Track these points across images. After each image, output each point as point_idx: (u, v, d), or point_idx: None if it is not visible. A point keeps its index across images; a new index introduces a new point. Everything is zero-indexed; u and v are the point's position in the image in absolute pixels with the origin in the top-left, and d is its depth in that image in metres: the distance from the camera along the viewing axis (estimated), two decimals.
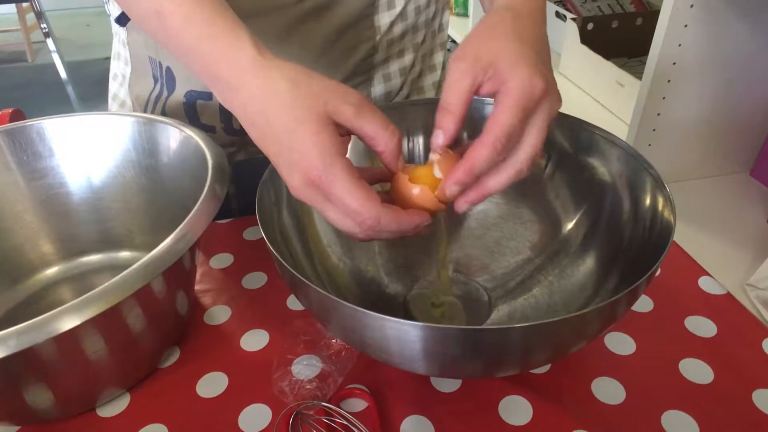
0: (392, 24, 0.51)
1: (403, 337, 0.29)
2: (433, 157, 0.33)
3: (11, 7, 3.11)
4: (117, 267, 0.45)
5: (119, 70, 0.58)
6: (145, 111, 0.54)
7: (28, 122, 0.42)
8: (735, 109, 0.93)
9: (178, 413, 0.37)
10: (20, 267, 0.43)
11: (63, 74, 2.07)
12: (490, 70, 0.31)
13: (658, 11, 0.82)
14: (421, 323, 0.28)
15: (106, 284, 0.29)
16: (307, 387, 0.37)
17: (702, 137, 0.96)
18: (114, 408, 0.37)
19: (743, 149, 0.99)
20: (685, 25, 0.83)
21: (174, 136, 0.42)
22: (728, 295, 0.44)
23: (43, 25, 1.87)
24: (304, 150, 0.29)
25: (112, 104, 0.61)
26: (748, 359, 0.38)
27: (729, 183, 0.98)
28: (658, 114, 0.90)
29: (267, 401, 0.37)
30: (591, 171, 0.42)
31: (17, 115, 0.85)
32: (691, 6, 0.80)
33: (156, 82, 0.52)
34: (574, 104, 1.27)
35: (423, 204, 0.32)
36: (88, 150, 0.43)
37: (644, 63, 0.89)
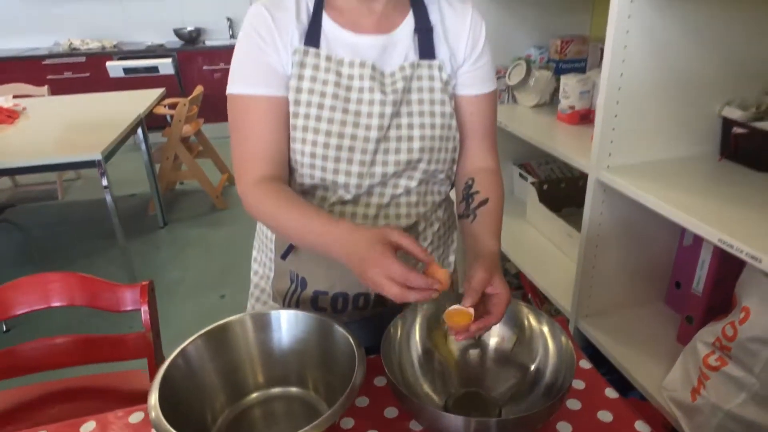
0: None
1: (454, 424, 0.64)
2: (456, 306, 0.71)
3: None
4: (290, 398, 0.77)
5: (263, 271, 0.95)
6: (284, 300, 0.91)
7: (264, 312, 0.79)
8: (649, 256, 1.34)
9: None
10: (243, 389, 0.76)
11: (111, 206, 2.43)
12: (493, 283, 0.71)
13: None
14: (464, 417, 0.63)
15: (317, 422, 0.62)
16: None
17: (627, 278, 1.36)
18: None
19: (658, 286, 1.39)
20: (603, 202, 1.26)
21: (333, 327, 0.76)
22: (620, 398, 0.79)
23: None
24: (376, 255, 0.65)
25: (254, 290, 0.98)
26: None
27: (649, 311, 1.37)
28: (593, 266, 1.31)
29: None
30: (541, 337, 0.80)
31: (151, 285, 1.20)
32: (605, 190, 1.24)
33: (292, 282, 0.90)
34: (539, 248, 1.68)
35: (438, 278, 0.68)
36: (288, 329, 0.78)
37: None
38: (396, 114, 0.81)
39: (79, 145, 2.34)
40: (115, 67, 4.46)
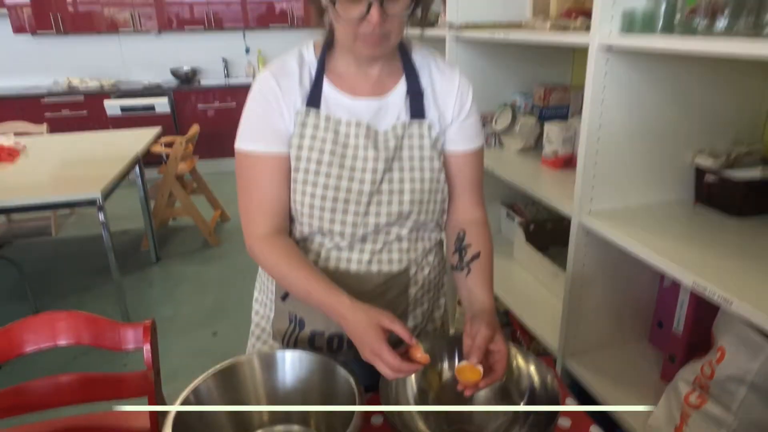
0: (416, 292, 0.96)
1: None
2: (466, 362, 0.77)
3: None
4: None
5: (263, 311, 1.00)
6: (282, 339, 0.95)
7: (270, 353, 0.82)
8: (632, 296, 1.40)
9: None
10: (249, 426, 0.79)
11: (108, 243, 2.45)
12: (495, 339, 0.78)
13: None
14: None
15: None
16: None
17: (612, 318, 1.41)
18: None
19: (642, 325, 1.45)
20: (585, 244, 1.32)
21: (335, 367, 0.80)
22: None
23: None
24: (371, 340, 0.75)
25: (254, 329, 1.02)
26: None
27: (634, 350, 1.42)
28: (578, 306, 1.36)
29: None
30: (528, 377, 0.84)
31: (153, 325, 1.23)
32: (587, 234, 1.30)
33: (291, 323, 0.94)
34: (526, 287, 1.73)
35: (419, 360, 0.75)
36: (292, 369, 0.82)
37: None
38: (388, 169, 0.88)
39: (78, 183, 2.39)
40: (112, 106, 4.55)
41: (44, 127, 3.56)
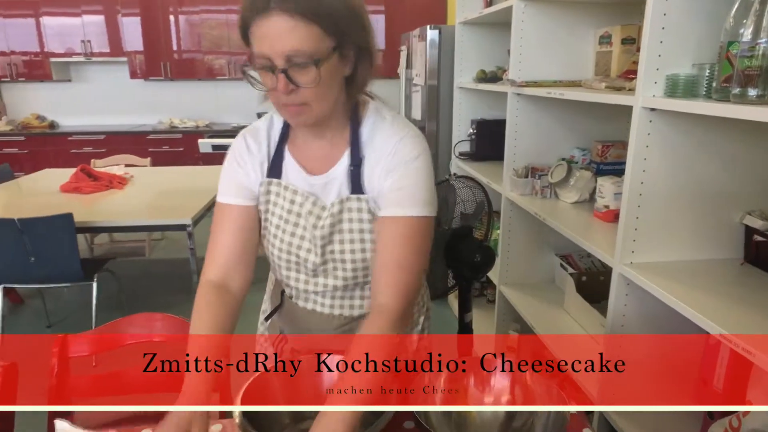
0: None
1: None
2: None
3: None
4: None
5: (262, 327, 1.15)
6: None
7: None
8: (675, 351, 1.40)
9: None
10: (302, 415, 0.91)
11: (194, 266, 2.71)
12: None
13: None
14: None
15: None
16: None
17: (654, 372, 1.42)
18: None
19: (685, 381, 1.43)
20: (626, 294, 1.36)
21: None
22: None
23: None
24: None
25: (260, 327, 1.16)
26: None
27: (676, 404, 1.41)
28: (621, 362, 1.39)
29: None
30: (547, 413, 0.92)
31: None
32: (628, 284, 1.34)
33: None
34: (574, 333, 1.77)
35: None
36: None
37: None
38: (329, 242, 0.93)
39: (173, 210, 2.71)
40: (205, 144, 5.04)
41: (148, 160, 4.03)
